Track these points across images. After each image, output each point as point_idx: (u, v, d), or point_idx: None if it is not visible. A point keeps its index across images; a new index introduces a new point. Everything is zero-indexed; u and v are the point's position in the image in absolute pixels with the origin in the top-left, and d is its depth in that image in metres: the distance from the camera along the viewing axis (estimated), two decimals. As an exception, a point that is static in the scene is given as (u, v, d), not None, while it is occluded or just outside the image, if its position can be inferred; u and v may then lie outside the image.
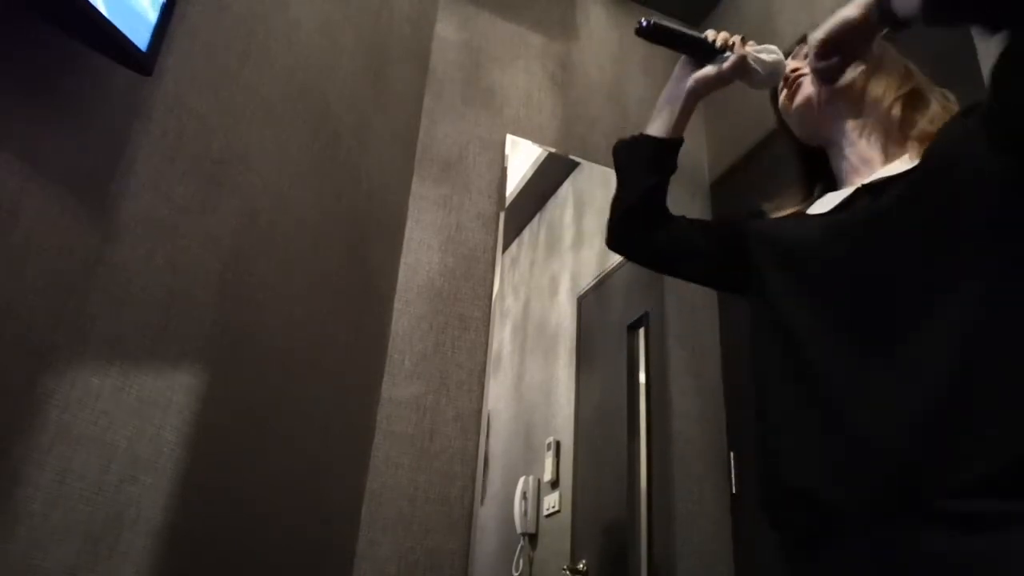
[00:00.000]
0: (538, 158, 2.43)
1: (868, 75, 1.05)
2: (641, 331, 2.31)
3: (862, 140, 1.04)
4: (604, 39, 2.77)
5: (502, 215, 2.25)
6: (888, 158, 1.01)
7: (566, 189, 2.48)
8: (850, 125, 1.05)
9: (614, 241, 1.23)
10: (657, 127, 1.17)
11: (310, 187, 1.49)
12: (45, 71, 0.88)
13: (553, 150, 2.44)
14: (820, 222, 0.98)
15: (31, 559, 0.82)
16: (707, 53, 1.11)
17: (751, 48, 1.09)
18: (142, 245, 1.01)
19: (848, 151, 1.05)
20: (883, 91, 1.03)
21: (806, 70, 1.08)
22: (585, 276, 2.35)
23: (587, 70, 2.67)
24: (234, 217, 1.22)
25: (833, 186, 1.07)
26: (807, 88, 1.07)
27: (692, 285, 2.35)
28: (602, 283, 2.35)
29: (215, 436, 1.14)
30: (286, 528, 1.37)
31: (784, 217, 1.08)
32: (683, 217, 1.21)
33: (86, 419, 0.90)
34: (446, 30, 2.46)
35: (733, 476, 2.15)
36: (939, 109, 1.00)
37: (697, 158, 2.67)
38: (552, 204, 2.46)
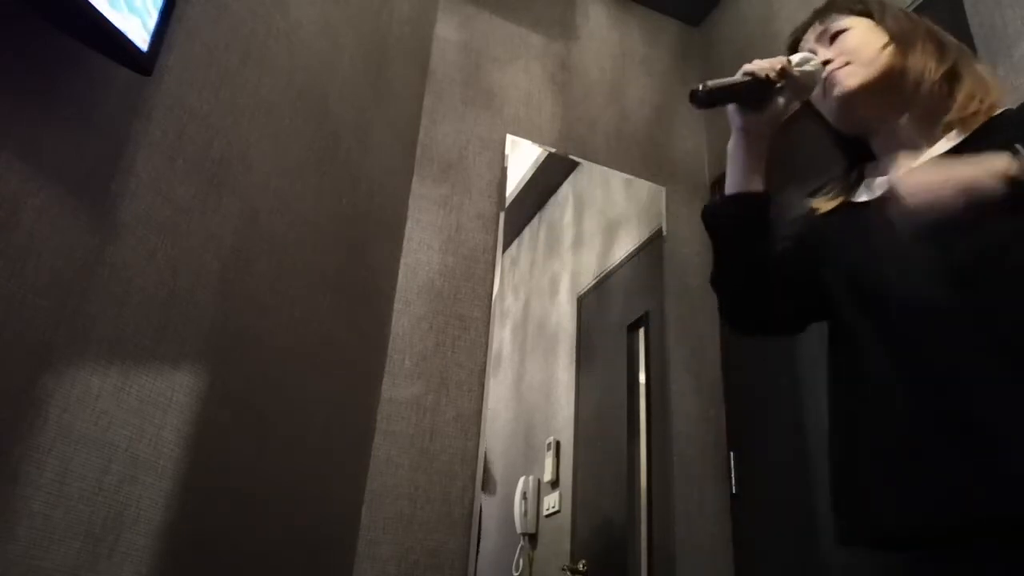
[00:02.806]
0: (538, 158, 2.43)
1: (903, 56, 0.99)
2: (641, 331, 2.31)
3: (906, 125, 0.99)
4: (604, 39, 2.77)
5: (502, 215, 2.25)
6: (931, 140, 0.96)
7: (566, 189, 2.48)
8: (891, 111, 1.00)
9: (742, 325, 1.13)
10: (750, 181, 1.05)
11: (310, 187, 1.49)
12: (45, 71, 0.88)
13: (553, 150, 2.44)
14: (874, 234, 0.91)
15: (31, 559, 0.82)
16: (763, 91, 1.02)
17: (796, 69, 1.02)
18: (142, 245, 1.01)
19: (891, 138, 1.00)
20: (922, 71, 0.98)
21: (834, 57, 1.02)
22: (585, 276, 2.35)
23: (587, 70, 2.67)
24: (234, 217, 1.22)
25: (875, 170, 1.03)
26: (844, 79, 1.00)
27: (692, 285, 2.37)
28: (602, 283, 2.35)
29: (215, 436, 1.14)
30: (286, 528, 1.37)
31: (834, 214, 1.02)
32: (780, 256, 1.07)
33: (86, 419, 0.90)
34: (446, 30, 2.46)
35: (733, 476, 2.15)
36: (978, 83, 0.96)
37: (697, 158, 2.66)
38: (552, 204, 2.46)
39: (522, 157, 2.40)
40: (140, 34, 0.92)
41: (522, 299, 2.27)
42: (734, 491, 2.14)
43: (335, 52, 1.62)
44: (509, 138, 2.38)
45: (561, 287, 2.33)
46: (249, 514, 1.24)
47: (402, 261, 2.07)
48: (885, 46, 1.01)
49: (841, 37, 1.04)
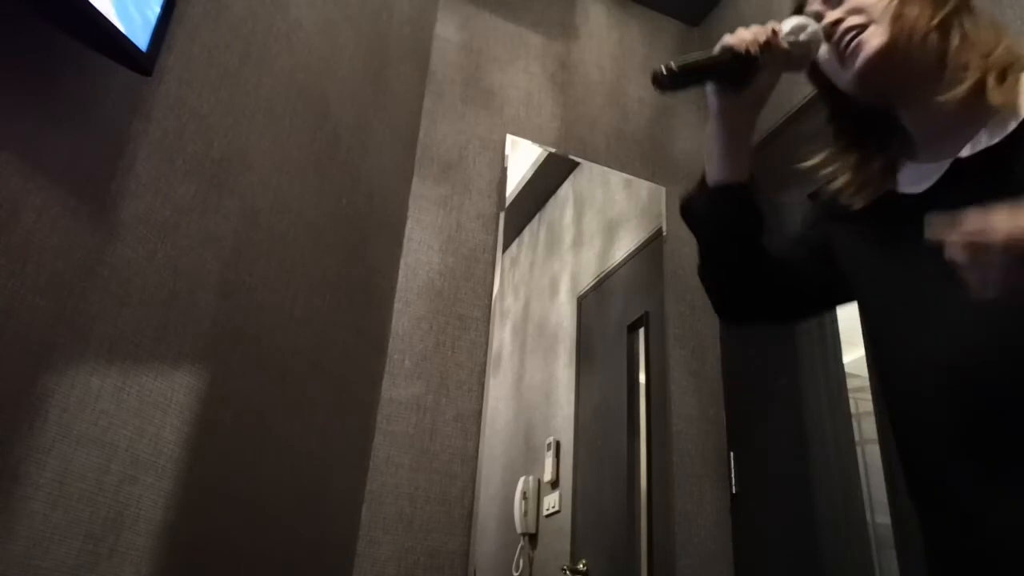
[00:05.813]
0: (538, 158, 2.43)
1: (903, 7, 0.82)
2: (641, 331, 2.31)
3: (935, 91, 0.81)
4: (604, 39, 2.77)
5: (502, 215, 2.25)
6: (974, 117, 0.79)
7: (566, 189, 2.47)
8: (923, 77, 0.82)
9: (731, 315, 1.05)
10: (732, 171, 0.94)
11: (310, 187, 1.49)
12: (45, 71, 0.88)
13: (553, 150, 2.44)
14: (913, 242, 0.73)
15: (31, 559, 0.82)
16: (744, 68, 0.88)
17: (784, 39, 0.87)
18: (142, 245, 1.01)
19: (926, 111, 0.83)
20: (913, 25, 0.81)
21: (844, 16, 0.84)
22: (585, 276, 2.35)
23: (587, 70, 2.67)
24: (234, 217, 1.22)
25: (908, 149, 0.87)
26: (869, 40, 0.82)
27: (692, 285, 2.37)
28: (602, 283, 2.35)
29: (215, 436, 1.14)
30: (286, 528, 1.37)
31: (867, 211, 0.86)
32: (783, 256, 0.98)
33: (86, 419, 0.90)
34: (446, 30, 2.46)
35: (733, 476, 2.15)
36: (976, 37, 0.81)
37: (697, 158, 2.66)
38: (552, 204, 2.46)
39: (522, 157, 2.40)
40: (140, 34, 0.92)
41: (522, 299, 2.27)
42: (734, 491, 2.14)
43: (335, 52, 1.62)
44: (509, 138, 2.38)
45: (561, 287, 2.33)
46: (249, 514, 1.24)
47: (402, 261, 2.07)
48: None
49: None
